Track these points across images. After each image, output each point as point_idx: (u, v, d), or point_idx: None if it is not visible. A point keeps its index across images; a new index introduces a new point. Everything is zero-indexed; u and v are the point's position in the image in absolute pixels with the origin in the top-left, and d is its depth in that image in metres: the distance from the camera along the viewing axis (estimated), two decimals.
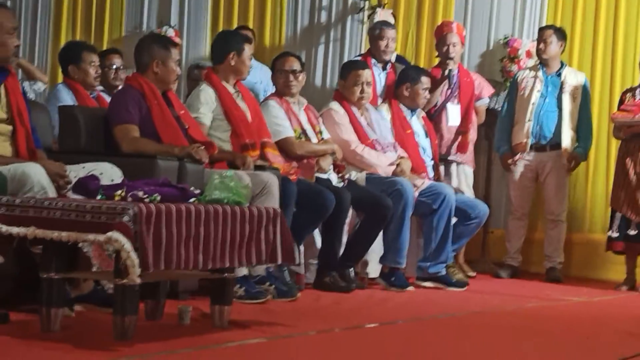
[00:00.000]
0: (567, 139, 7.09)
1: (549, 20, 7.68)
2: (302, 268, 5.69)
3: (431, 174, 6.62)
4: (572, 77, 7.20)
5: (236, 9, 8.60)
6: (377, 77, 6.96)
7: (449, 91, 7.12)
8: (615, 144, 7.18)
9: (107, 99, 5.94)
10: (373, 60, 7.04)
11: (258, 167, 5.22)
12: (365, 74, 6.33)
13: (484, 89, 7.38)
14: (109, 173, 4.24)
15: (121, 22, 8.98)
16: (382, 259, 6.07)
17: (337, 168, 6.01)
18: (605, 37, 7.62)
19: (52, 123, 5.06)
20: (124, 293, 3.41)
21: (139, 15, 8.93)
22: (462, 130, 7.10)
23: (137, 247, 3.33)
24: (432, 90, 6.88)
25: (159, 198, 3.59)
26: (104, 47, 8.15)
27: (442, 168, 6.95)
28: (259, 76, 7.35)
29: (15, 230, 3.49)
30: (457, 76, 7.17)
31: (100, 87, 6.23)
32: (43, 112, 4.94)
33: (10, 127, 4.28)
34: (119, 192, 3.62)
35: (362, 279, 6.07)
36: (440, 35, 7.24)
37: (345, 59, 7.82)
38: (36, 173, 3.91)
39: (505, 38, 7.86)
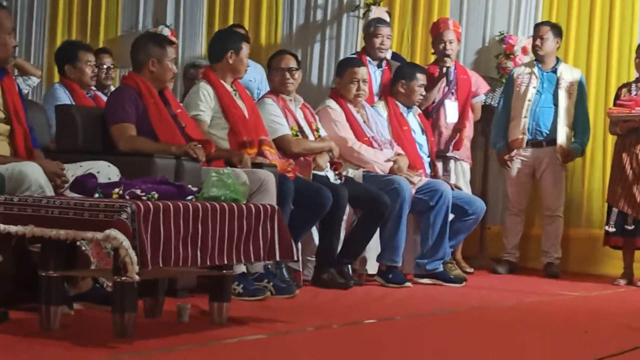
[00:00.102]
0: (562, 135, 7.10)
1: (544, 17, 7.69)
2: (300, 265, 5.69)
3: (428, 170, 6.63)
4: (568, 73, 7.21)
5: (232, 8, 8.60)
6: (372, 74, 6.95)
7: (447, 88, 7.13)
8: (611, 139, 7.19)
9: (104, 98, 5.96)
10: (368, 58, 7.04)
11: (255, 165, 5.23)
12: (362, 72, 6.34)
13: (480, 86, 7.38)
14: (106, 172, 4.25)
15: (117, 22, 8.98)
16: (379, 258, 6.07)
17: (334, 165, 6.01)
18: (601, 32, 7.63)
19: (49, 122, 5.07)
20: (122, 290, 3.41)
21: (134, 14, 8.93)
22: (458, 126, 7.11)
23: (136, 244, 3.32)
24: (430, 87, 6.89)
25: (156, 196, 3.59)
26: (100, 47, 8.14)
27: (440, 165, 6.97)
28: (253, 74, 7.35)
29: (13, 228, 3.49)
30: (455, 73, 7.18)
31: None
32: (40, 111, 4.96)
33: (7, 127, 4.28)
34: (117, 190, 3.62)
35: (360, 276, 6.08)
36: (437, 32, 7.24)
37: (341, 57, 7.81)
38: (34, 172, 3.91)
39: (501, 34, 7.87)
